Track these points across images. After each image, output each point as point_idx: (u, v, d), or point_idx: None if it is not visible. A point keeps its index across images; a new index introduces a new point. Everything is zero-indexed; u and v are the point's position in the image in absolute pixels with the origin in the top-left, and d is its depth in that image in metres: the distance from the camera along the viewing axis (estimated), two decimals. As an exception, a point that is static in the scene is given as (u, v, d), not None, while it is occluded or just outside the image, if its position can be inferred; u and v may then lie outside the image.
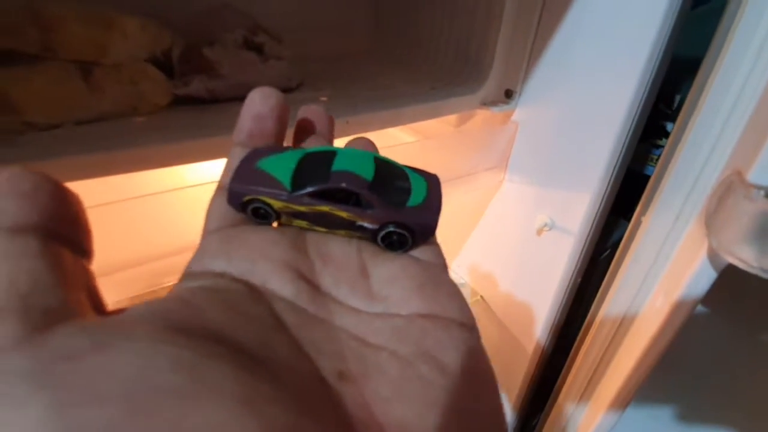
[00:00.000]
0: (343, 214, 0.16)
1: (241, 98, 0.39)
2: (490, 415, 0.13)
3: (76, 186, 0.13)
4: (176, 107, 0.34)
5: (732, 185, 0.27)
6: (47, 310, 0.10)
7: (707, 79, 0.33)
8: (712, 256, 0.29)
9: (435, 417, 0.12)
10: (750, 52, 0.30)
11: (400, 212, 0.16)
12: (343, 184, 0.15)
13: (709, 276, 0.31)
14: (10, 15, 0.28)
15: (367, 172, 0.16)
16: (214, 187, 0.17)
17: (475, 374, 0.14)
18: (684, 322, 0.35)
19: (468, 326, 0.15)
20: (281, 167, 0.16)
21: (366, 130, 0.37)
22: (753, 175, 0.25)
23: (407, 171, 0.18)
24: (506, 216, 0.52)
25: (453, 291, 0.16)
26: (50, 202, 0.11)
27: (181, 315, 0.11)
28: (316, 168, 0.16)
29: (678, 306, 0.33)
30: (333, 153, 0.17)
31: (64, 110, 0.29)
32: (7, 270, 0.10)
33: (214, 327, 0.11)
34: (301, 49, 0.42)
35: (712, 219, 0.28)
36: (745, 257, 0.25)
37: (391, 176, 0.17)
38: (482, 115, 0.45)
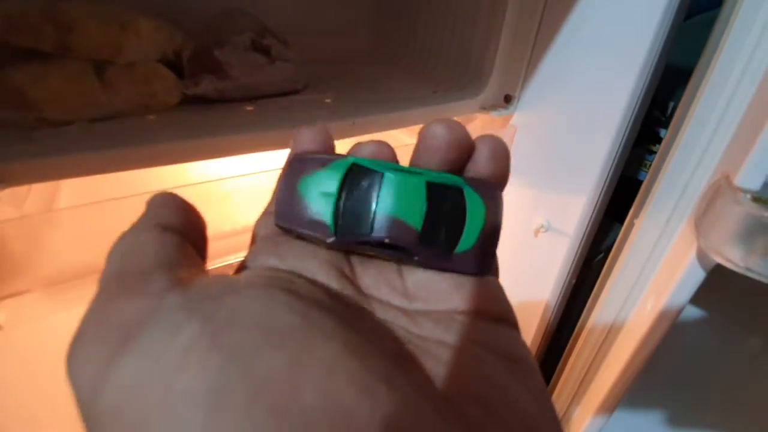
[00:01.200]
0: (388, 258, 0.16)
1: (248, 99, 0.40)
2: (547, 410, 0.13)
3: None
4: (186, 106, 0.35)
5: (720, 189, 0.28)
6: (185, 274, 0.13)
7: (698, 88, 0.34)
8: (701, 256, 0.31)
9: (505, 393, 0.13)
10: (738, 64, 0.31)
11: (448, 260, 0.15)
12: (387, 240, 0.15)
13: (698, 276, 0.32)
14: (28, 15, 0.29)
15: (417, 217, 0.15)
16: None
17: (526, 365, 0.14)
18: (673, 322, 0.36)
19: (509, 322, 0.16)
20: (323, 196, 0.15)
21: (371, 131, 0.38)
22: (740, 180, 0.26)
23: (464, 189, 0.16)
24: (504, 216, 0.53)
25: (493, 290, 0.16)
26: (186, 216, 0.15)
27: (277, 281, 0.13)
28: (360, 206, 0.15)
29: (668, 306, 0.35)
30: (379, 178, 0.15)
31: (78, 107, 0.30)
32: (157, 249, 0.13)
33: (302, 291, 0.13)
34: (305, 52, 0.43)
35: (701, 220, 0.30)
36: (732, 257, 0.27)
37: (444, 208, 0.15)
38: (482, 119, 0.46)
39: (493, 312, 0.15)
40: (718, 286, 0.33)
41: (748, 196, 0.26)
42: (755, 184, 0.26)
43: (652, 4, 0.35)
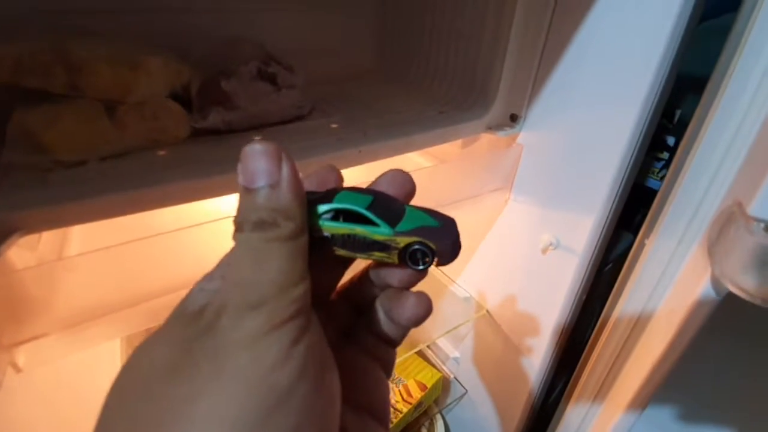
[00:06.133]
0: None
1: (256, 127, 0.40)
2: None
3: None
4: (195, 138, 0.35)
5: (733, 216, 0.28)
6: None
7: (710, 107, 0.34)
8: (715, 283, 0.30)
9: None
10: (751, 83, 0.31)
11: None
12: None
13: (713, 301, 0.32)
14: (39, 56, 0.29)
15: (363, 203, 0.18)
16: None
17: None
18: (688, 343, 0.36)
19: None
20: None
21: (377, 158, 0.38)
22: (753, 209, 0.26)
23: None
24: (512, 234, 0.53)
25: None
26: None
27: None
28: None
29: (682, 329, 0.34)
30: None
31: (91, 147, 0.30)
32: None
33: None
34: (310, 71, 0.43)
35: (714, 247, 0.30)
36: (746, 287, 0.26)
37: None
38: (488, 138, 0.46)
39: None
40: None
41: (762, 225, 0.26)
42: (769, 214, 0.26)
43: (662, 16, 0.34)
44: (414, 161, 0.54)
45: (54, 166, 0.29)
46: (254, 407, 0.13)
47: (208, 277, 0.16)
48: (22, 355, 0.26)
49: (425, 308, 0.18)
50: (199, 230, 0.29)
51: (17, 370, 0.26)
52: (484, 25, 0.44)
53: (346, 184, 0.20)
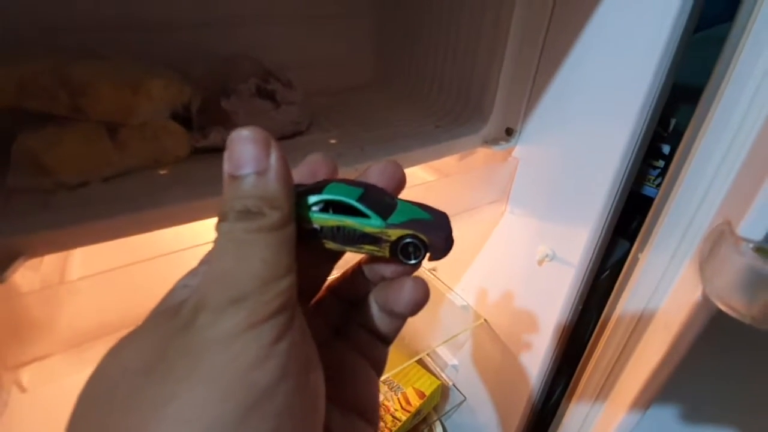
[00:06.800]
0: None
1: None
2: None
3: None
4: (196, 157, 0.36)
5: (723, 235, 0.29)
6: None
7: (704, 119, 0.34)
8: (707, 300, 0.31)
9: None
10: (745, 94, 0.31)
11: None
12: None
13: (706, 314, 0.32)
14: (41, 79, 0.30)
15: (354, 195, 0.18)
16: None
17: None
18: (687, 348, 0.36)
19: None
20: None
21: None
22: (743, 229, 0.27)
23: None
24: (508, 246, 0.53)
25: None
26: None
27: None
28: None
29: (678, 338, 0.35)
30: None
31: (93, 169, 0.30)
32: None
33: None
34: (307, 83, 0.43)
35: (705, 265, 0.30)
36: (736, 306, 0.27)
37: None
38: (483, 152, 0.47)
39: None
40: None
41: (751, 245, 0.26)
42: (758, 235, 0.26)
43: (658, 26, 0.34)
44: (411, 172, 0.54)
45: (57, 188, 0.29)
46: (230, 409, 0.12)
47: (192, 272, 0.16)
48: (26, 375, 0.27)
49: (423, 293, 0.18)
50: (200, 250, 0.29)
51: (22, 389, 0.27)
52: (480, 39, 0.45)
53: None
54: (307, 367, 0.15)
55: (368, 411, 0.18)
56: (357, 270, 0.20)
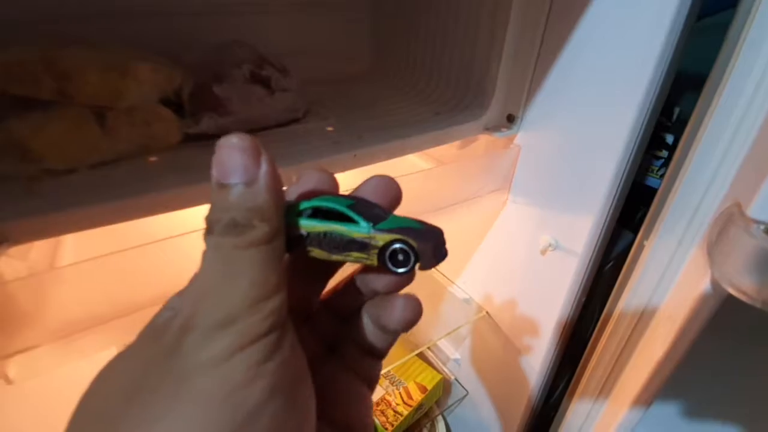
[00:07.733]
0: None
1: (249, 131, 0.40)
2: None
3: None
4: (187, 143, 0.35)
5: (732, 217, 0.28)
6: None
7: (708, 106, 0.33)
8: (715, 285, 0.30)
9: None
10: (750, 82, 0.30)
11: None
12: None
13: (713, 303, 0.31)
14: (26, 64, 0.29)
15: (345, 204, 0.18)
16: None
17: None
18: (691, 342, 0.35)
19: None
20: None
21: (373, 162, 0.37)
22: (753, 211, 0.26)
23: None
24: (510, 236, 0.52)
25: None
26: None
27: None
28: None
29: (683, 330, 0.34)
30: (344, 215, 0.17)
31: (80, 155, 0.30)
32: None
33: None
34: (305, 72, 0.42)
35: (713, 249, 0.29)
36: (746, 290, 0.26)
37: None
38: (485, 139, 0.46)
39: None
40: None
41: (762, 227, 0.25)
42: (769, 216, 0.25)
43: (660, 13, 0.34)
44: (411, 162, 0.53)
45: (43, 175, 0.28)
46: (216, 430, 0.12)
47: (181, 292, 0.16)
48: (13, 367, 0.26)
49: (415, 311, 0.17)
50: (191, 237, 0.28)
51: (8, 382, 0.26)
52: (479, 25, 0.43)
53: (343, 188, 0.19)
54: (297, 383, 0.14)
55: (358, 429, 0.18)
56: (349, 282, 0.19)
